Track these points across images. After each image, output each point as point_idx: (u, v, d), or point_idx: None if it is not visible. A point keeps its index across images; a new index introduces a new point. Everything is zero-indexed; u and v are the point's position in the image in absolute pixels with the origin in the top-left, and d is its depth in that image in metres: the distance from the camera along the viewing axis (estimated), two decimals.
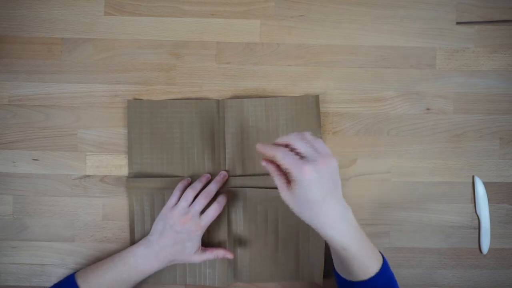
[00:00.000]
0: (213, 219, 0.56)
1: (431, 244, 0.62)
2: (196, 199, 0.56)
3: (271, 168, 0.47)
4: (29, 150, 0.61)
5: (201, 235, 0.56)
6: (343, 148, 0.62)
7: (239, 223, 0.60)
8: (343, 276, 0.50)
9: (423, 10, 0.62)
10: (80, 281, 0.54)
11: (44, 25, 0.61)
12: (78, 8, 0.61)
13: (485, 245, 0.62)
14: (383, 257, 0.50)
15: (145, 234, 0.59)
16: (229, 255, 0.57)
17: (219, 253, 0.57)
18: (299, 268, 0.60)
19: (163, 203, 0.59)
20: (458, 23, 0.62)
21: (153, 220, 0.59)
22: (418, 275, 0.62)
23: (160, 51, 0.61)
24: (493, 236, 0.62)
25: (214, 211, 0.56)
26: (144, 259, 0.55)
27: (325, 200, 0.44)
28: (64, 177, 0.61)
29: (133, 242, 0.60)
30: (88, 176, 0.61)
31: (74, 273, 0.55)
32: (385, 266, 0.49)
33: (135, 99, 0.61)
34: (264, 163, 0.48)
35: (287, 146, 0.45)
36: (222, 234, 0.60)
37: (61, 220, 0.61)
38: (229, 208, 0.60)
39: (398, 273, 0.62)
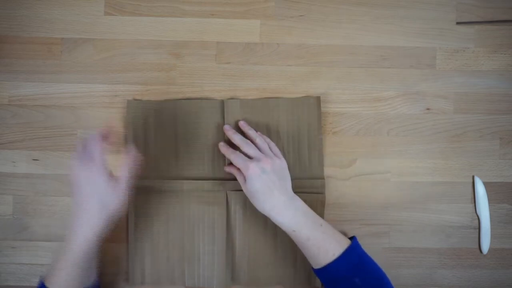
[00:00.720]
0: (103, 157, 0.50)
1: (431, 244, 0.62)
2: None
3: (233, 170, 0.56)
4: (29, 150, 0.61)
5: (103, 173, 0.50)
6: (343, 148, 0.62)
7: (238, 226, 0.60)
8: (314, 267, 0.52)
9: (423, 10, 0.62)
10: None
11: (44, 25, 0.61)
12: (78, 8, 0.61)
13: (485, 245, 0.62)
14: (353, 242, 0.51)
15: (144, 234, 0.59)
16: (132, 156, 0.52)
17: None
18: (297, 272, 0.60)
19: (162, 204, 0.59)
20: (458, 23, 0.62)
21: (151, 220, 0.59)
22: (418, 275, 0.62)
23: (160, 51, 0.61)
24: (493, 236, 0.62)
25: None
26: (87, 229, 0.49)
27: (270, 191, 0.51)
28: (64, 177, 0.61)
29: (131, 242, 0.60)
30: None
31: (42, 281, 0.50)
32: (350, 250, 0.50)
33: (135, 99, 0.61)
34: (227, 169, 0.58)
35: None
36: (220, 237, 0.60)
37: (61, 220, 0.61)
38: (228, 211, 0.60)
39: (398, 273, 0.62)
